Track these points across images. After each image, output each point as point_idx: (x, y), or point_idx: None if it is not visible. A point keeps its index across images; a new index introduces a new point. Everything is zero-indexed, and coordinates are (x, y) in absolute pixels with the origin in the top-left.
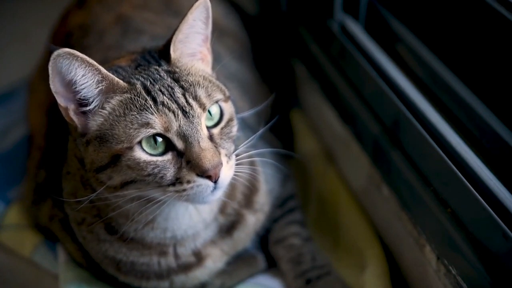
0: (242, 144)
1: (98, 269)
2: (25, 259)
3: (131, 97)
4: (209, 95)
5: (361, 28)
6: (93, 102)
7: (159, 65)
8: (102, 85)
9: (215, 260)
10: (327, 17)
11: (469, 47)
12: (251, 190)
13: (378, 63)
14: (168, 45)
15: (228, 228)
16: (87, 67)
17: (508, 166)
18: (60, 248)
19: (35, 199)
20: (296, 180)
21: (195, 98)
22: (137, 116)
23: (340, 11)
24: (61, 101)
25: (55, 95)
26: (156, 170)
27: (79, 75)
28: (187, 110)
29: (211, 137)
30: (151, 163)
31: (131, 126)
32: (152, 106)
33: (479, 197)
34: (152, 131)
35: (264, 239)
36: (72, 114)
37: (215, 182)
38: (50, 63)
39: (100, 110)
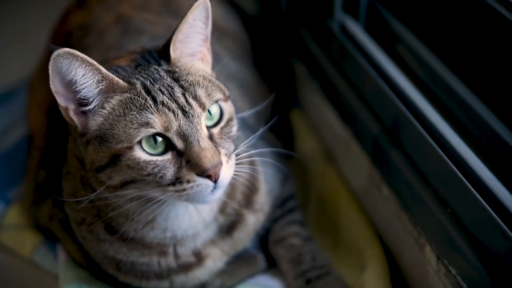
0: (242, 144)
1: (98, 269)
2: (25, 259)
3: (131, 97)
4: (209, 94)
5: (361, 28)
6: (93, 102)
7: (159, 65)
8: (102, 85)
9: (215, 260)
10: (327, 17)
11: (469, 47)
12: (251, 190)
13: (378, 63)
14: (168, 45)
15: (228, 228)
16: (87, 67)
17: (508, 166)
18: (60, 248)
19: (35, 199)
20: (296, 180)
21: (195, 97)
22: (137, 115)
23: (340, 11)
24: (61, 101)
25: (55, 95)
26: (156, 170)
27: (79, 74)
28: (187, 109)
29: (211, 137)
30: (151, 162)
31: (131, 126)
32: (152, 105)
33: (479, 197)
34: (152, 130)
35: (264, 239)
36: (72, 114)
37: (215, 181)
38: (50, 63)
39: (100, 109)
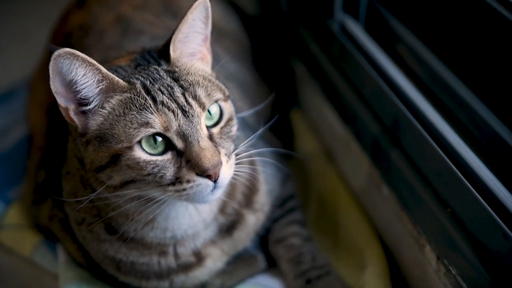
0: (242, 144)
1: (98, 269)
2: (25, 259)
3: (131, 97)
4: (208, 94)
5: (361, 28)
6: (93, 102)
7: (159, 65)
8: (103, 84)
9: (215, 260)
10: (327, 17)
11: (469, 47)
12: (251, 190)
13: (378, 63)
14: (167, 45)
15: (228, 228)
16: (87, 67)
17: (508, 166)
18: (60, 248)
19: (35, 199)
20: (296, 180)
21: (195, 97)
22: (137, 115)
23: (340, 11)
24: (61, 101)
25: (55, 95)
26: (155, 170)
27: (80, 74)
28: (187, 109)
29: (210, 137)
30: (151, 162)
31: (130, 126)
32: (152, 105)
33: (479, 197)
34: (152, 130)
35: (264, 239)
36: (72, 114)
37: (215, 181)
38: (51, 63)
39: (100, 109)
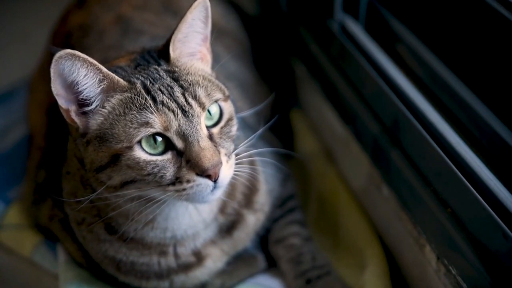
0: (242, 144)
1: (98, 269)
2: (25, 259)
3: (131, 96)
4: (208, 94)
5: (361, 28)
6: (95, 102)
7: (159, 65)
8: (104, 84)
9: (215, 260)
10: (327, 17)
11: (469, 47)
12: (251, 190)
13: (378, 63)
14: (167, 45)
15: (228, 228)
16: (89, 67)
17: (508, 166)
18: (60, 248)
19: (35, 199)
20: (296, 180)
21: (195, 97)
22: (137, 115)
23: (340, 11)
24: (62, 103)
25: (56, 97)
26: (155, 170)
27: (82, 75)
28: (187, 109)
29: (210, 137)
30: (151, 162)
31: (130, 125)
32: (152, 105)
33: (479, 197)
34: (152, 130)
35: (264, 239)
36: (73, 116)
37: (215, 181)
38: (52, 65)
39: (100, 109)
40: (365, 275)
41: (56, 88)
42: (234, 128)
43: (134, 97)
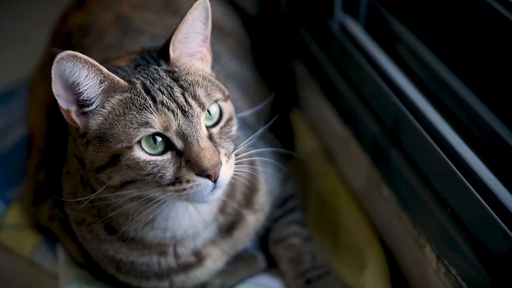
0: (242, 144)
1: (98, 269)
2: (25, 259)
3: (131, 96)
4: (208, 94)
5: (361, 28)
6: (95, 102)
7: (158, 65)
8: (104, 85)
9: (215, 260)
10: (327, 17)
11: (469, 47)
12: (251, 190)
13: (378, 63)
14: (167, 45)
15: (228, 228)
16: (90, 68)
17: (508, 166)
18: (60, 248)
19: (35, 199)
20: (296, 180)
21: (194, 97)
22: (137, 115)
23: (340, 11)
24: (62, 103)
25: (56, 98)
26: (155, 170)
27: (83, 76)
28: (186, 109)
29: (210, 137)
30: (151, 162)
31: (130, 126)
32: (152, 105)
33: (479, 197)
34: (152, 130)
35: (264, 239)
36: (74, 116)
37: (215, 181)
38: (53, 67)
39: (100, 109)
40: (365, 275)
41: (57, 88)
42: (234, 128)
43: (134, 97)
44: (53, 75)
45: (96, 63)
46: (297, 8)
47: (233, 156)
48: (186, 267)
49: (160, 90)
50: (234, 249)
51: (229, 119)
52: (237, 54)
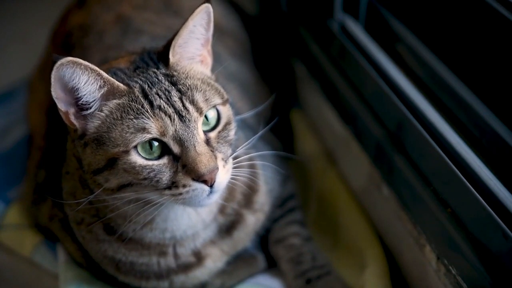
0: (242, 146)
1: (98, 269)
2: (25, 259)
3: (129, 100)
4: (206, 99)
5: (361, 28)
6: (94, 106)
7: (157, 68)
8: (104, 89)
9: (215, 260)
10: (327, 17)
11: (469, 47)
12: (251, 190)
13: (378, 63)
14: (167, 49)
15: (227, 228)
16: (90, 74)
17: (508, 166)
18: (60, 248)
19: (35, 199)
20: (296, 180)
21: (192, 102)
22: (134, 120)
23: (340, 11)
24: (61, 106)
25: (55, 100)
26: (152, 174)
27: (82, 82)
28: (184, 114)
29: (207, 141)
30: (147, 167)
31: (127, 130)
32: (149, 110)
33: (479, 197)
34: (148, 136)
35: (264, 239)
36: (72, 118)
37: (211, 186)
38: (53, 72)
39: (98, 112)
40: (365, 275)
41: (56, 92)
42: (232, 133)
43: (132, 102)
44: (52, 79)
45: (96, 68)
46: (297, 8)
47: (230, 160)
48: (185, 267)
49: (158, 94)
50: (234, 249)
51: (227, 123)
52: (237, 54)
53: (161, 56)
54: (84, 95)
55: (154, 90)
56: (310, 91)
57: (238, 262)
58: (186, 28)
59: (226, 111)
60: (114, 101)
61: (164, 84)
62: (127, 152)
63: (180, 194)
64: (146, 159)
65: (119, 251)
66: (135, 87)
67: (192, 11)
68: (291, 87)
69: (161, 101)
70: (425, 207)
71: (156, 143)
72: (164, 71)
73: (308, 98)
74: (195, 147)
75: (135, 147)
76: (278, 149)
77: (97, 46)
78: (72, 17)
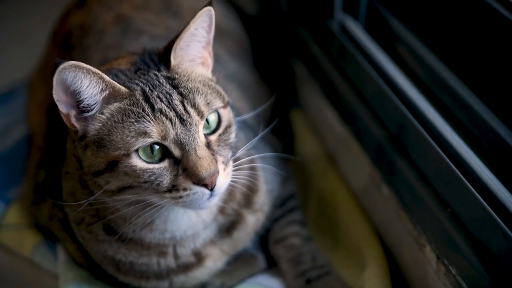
0: (243, 148)
1: (98, 269)
2: (25, 259)
3: (130, 104)
4: (208, 103)
5: (361, 28)
6: (95, 108)
7: (159, 70)
8: (105, 92)
9: (215, 260)
10: (327, 17)
11: (469, 47)
12: (251, 190)
13: (378, 63)
14: (168, 51)
15: (227, 228)
16: (92, 77)
17: (508, 166)
18: (60, 248)
19: (35, 199)
20: (296, 180)
21: (193, 105)
22: (135, 123)
23: (340, 11)
24: (62, 108)
25: (56, 102)
26: (152, 178)
27: (84, 85)
28: (185, 118)
29: (208, 144)
30: (148, 170)
31: (128, 134)
32: (150, 114)
33: (479, 197)
34: (149, 140)
35: (264, 239)
36: (73, 120)
37: (212, 189)
38: (55, 76)
39: (99, 115)
40: (365, 275)
41: (58, 95)
42: (232, 136)
43: (133, 105)
44: (54, 83)
45: (98, 71)
46: (297, 8)
47: (230, 163)
48: (185, 267)
49: (159, 97)
50: (234, 249)
51: (228, 126)
52: (237, 54)
53: (162, 58)
54: (86, 98)
55: (155, 93)
56: (310, 91)
57: (238, 262)
58: (188, 31)
59: (227, 114)
60: (115, 104)
61: (165, 87)
62: (128, 155)
63: (181, 197)
64: (147, 162)
65: (119, 251)
66: (136, 90)
67: (192, 12)
68: (291, 87)
69: (162, 104)
70: (425, 207)
71: (157, 147)
72: (165, 73)
73: (308, 98)
74: (196, 151)
75: (136, 150)
76: (278, 149)
77: (97, 46)
78: (72, 17)
